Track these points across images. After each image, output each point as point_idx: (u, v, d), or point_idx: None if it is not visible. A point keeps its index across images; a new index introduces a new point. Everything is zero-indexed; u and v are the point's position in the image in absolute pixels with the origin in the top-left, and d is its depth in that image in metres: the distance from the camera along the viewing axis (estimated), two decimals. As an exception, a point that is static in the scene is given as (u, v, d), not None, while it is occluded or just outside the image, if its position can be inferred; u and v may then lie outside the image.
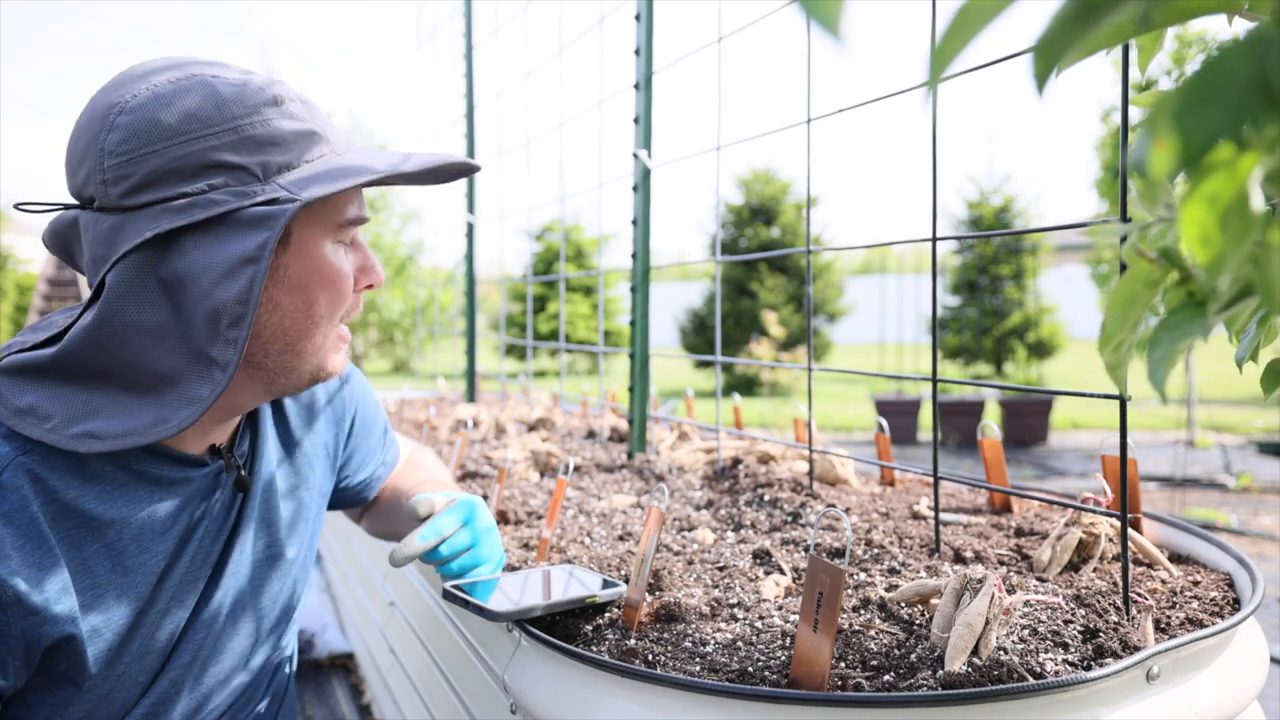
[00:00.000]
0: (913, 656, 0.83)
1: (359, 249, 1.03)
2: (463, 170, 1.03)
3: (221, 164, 0.88)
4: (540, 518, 1.45)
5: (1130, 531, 1.03)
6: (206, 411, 0.89)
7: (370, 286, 1.05)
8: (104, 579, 0.91)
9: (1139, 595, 0.98)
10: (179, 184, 0.87)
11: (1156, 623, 0.90)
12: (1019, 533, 1.25)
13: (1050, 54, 0.36)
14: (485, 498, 1.53)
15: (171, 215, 0.87)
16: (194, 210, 0.87)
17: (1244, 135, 0.32)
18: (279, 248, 0.93)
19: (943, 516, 1.34)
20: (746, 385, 13.92)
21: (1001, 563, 1.11)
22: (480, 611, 0.97)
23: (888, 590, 1.01)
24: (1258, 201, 0.34)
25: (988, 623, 0.81)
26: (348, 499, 1.34)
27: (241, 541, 1.06)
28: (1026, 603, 0.93)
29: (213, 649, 1.06)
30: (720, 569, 1.14)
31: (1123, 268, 0.64)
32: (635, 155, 1.78)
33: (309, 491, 1.19)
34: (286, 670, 1.26)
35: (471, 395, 3.10)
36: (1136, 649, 0.82)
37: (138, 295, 0.87)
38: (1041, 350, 12.10)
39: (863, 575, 1.07)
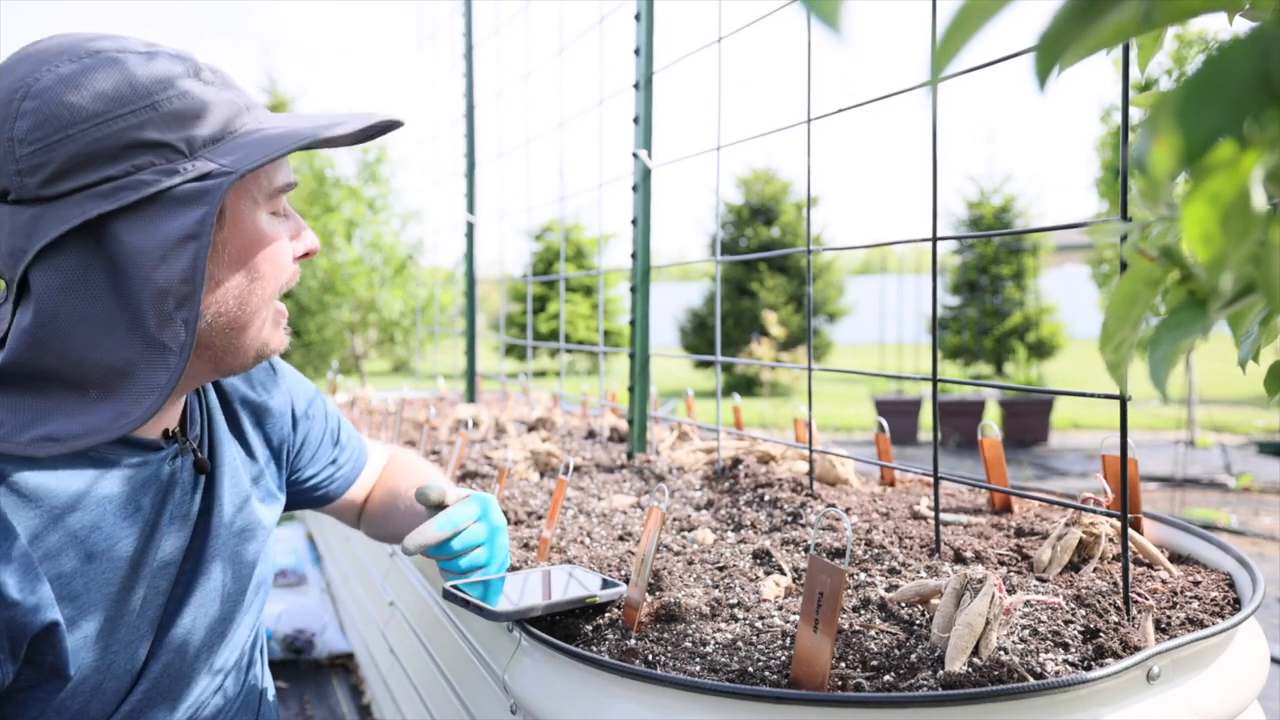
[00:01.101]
0: (913, 656, 0.82)
1: (290, 216, 1.01)
2: (388, 127, 1.02)
3: (144, 143, 0.85)
4: (540, 518, 1.45)
5: (1130, 531, 1.03)
6: (168, 398, 0.88)
7: (308, 254, 1.02)
8: (71, 567, 0.90)
9: (1139, 595, 0.98)
10: (102, 167, 0.84)
11: (1156, 623, 0.90)
12: (1019, 533, 1.25)
13: (1052, 51, 0.36)
14: (485, 498, 1.53)
15: (98, 200, 0.84)
16: (123, 193, 0.84)
17: (1246, 132, 0.32)
18: (215, 224, 0.91)
19: (943, 516, 1.33)
20: (746, 385, 13.91)
21: (1001, 563, 1.11)
22: (480, 611, 0.97)
23: (888, 590, 1.01)
24: (1259, 200, 0.34)
25: (988, 623, 0.81)
26: (311, 490, 1.32)
27: (213, 523, 1.05)
28: (1027, 603, 0.93)
29: (199, 630, 1.05)
30: (720, 569, 1.14)
31: (1123, 267, 0.64)
32: (635, 155, 1.78)
33: (266, 475, 1.18)
34: (261, 653, 1.26)
35: (471, 395, 3.10)
36: (1137, 649, 0.82)
37: (80, 287, 0.85)
38: (1041, 350, 12.10)
39: (863, 575, 1.07)
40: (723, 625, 0.95)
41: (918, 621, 0.92)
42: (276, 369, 1.27)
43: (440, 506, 1.13)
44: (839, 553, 1.16)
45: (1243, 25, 0.53)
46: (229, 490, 1.10)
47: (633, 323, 1.85)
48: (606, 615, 1.00)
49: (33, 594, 0.87)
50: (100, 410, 0.87)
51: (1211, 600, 0.97)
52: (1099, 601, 0.92)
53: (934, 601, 0.95)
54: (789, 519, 1.36)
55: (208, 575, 1.06)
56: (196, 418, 1.09)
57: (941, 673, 0.78)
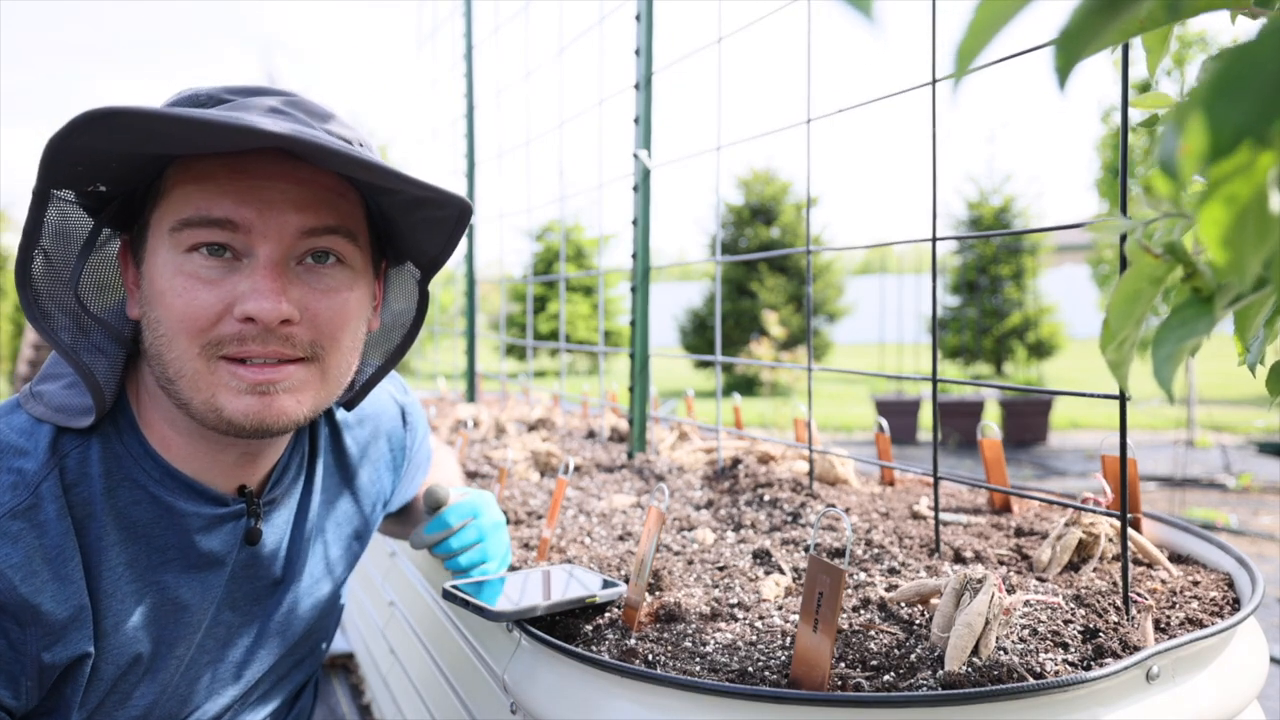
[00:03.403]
0: (913, 656, 0.82)
1: (256, 268, 0.86)
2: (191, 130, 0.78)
3: None
4: (540, 518, 1.45)
5: (1130, 531, 1.03)
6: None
7: (250, 320, 0.85)
8: (108, 602, 0.90)
9: (1139, 595, 0.97)
10: None
11: (1156, 623, 0.90)
12: (1019, 533, 1.25)
13: (1073, 48, 0.35)
14: (485, 497, 1.53)
15: None
16: None
17: (1271, 131, 0.31)
18: (144, 248, 0.89)
19: (943, 516, 1.33)
20: (746, 385, 13.91)
21: (1001, 563, 1.11)
22: (480, 611, 0.96)
23: (888, 590, 1.00)
24: (1276, 203, 0.33)
25: (988, 623, 0.81)
26: None
27: (284, 588, 1.05)
28: (1026, 603, 0.93)
29: (239, 694, 1.05)
30: (720, 569, 1.14)
31: (1124, 265, 0.63)
32: (635, 155, 1.78)
33: (348, 539, 1.17)
34: (313, 699, 1.24)
35: (471, 395, 3.09)
36: (1136, 649, 0.81)
37: None
38: (1041, 350, 12.10)
39: (863, 575, 1.07)
40: (723, 625, 0.95)
41: (917, 621, 0.92)
42: (408, 418, 1.26)
43: (439, 510, 1.13)
44: (839, 553, 1.16)
45: (1244, 24, 0.53)
46: (308, 550, 1.08)
47: (633, 323, 1.85)
48: (606, 615, 1.00)
49: (76, 622, 0.87)
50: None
51: (1211, 600, 0.97)
52: (1098, 601, 0.92)
53: (934, 601, 0.95)
54: (789, 519, 1.36)
55: (265, 638, 1.05)
56: (287, 477, 1.05)
57: (941, 672, 0.77)
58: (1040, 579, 1.04)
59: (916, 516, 1.37)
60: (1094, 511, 1.05)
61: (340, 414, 1.16)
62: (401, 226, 1.00)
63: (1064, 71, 0.36)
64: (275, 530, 1.04)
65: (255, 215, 0.85)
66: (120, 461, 0.91)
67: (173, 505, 0.93)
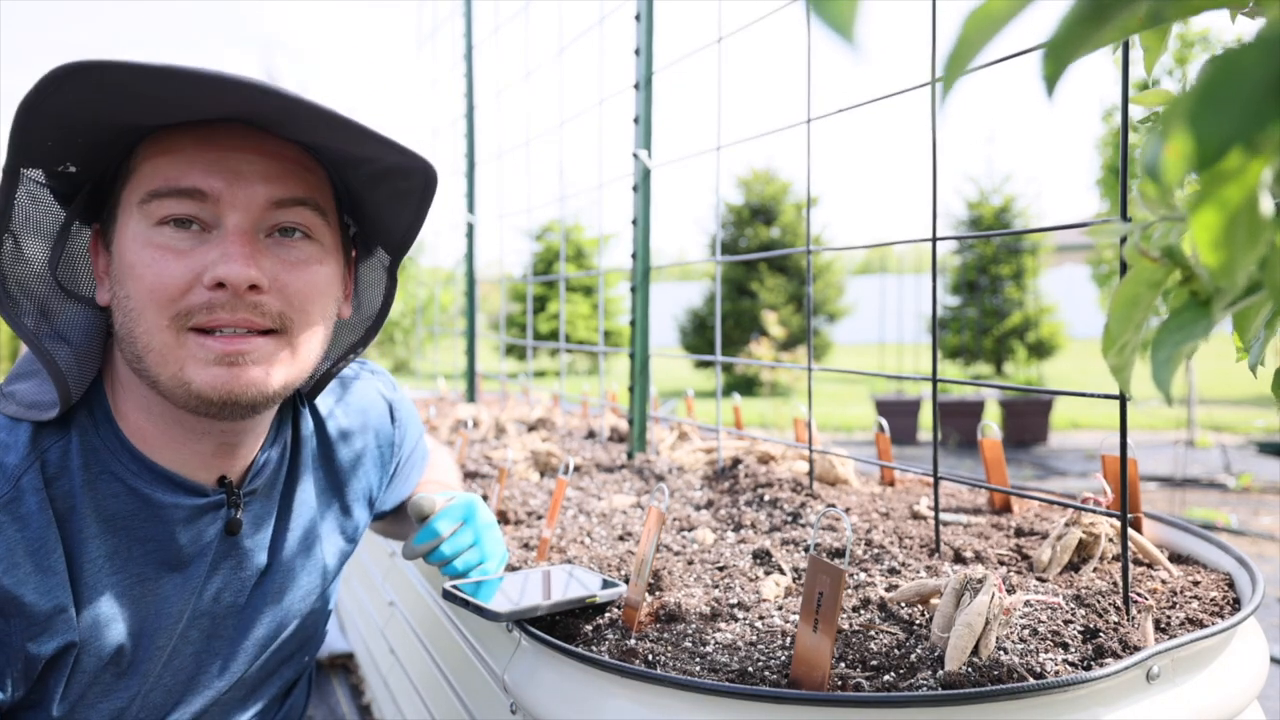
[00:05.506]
0: (913, 656, 0.82)
1: (225, 237, 0.86)
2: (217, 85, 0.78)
3: None
4: (540, 518, 1.45)
5: (1130, 531, 1.03)
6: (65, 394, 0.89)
7: (220, 286, 0.85)
8: (88, 594, 0.90)
9: (1139, 595, 0.98)
10: None
11: (1156, 623, 0.90)
12: (1019, 533, 1.25)
13: (1061, 55, 0.35)
14: (485, 498, 1.53)
15: None
16: None
17: (1259, 139, 0.31)
18: (114, 229, 0.88)
19: (943, 516, 1.33)
20: (746, 385, 13.91)
21: (1001, 563, 1.11)
22: (480, 611, 0.96)
23: (888, 590, 1.01)
24: (1267, 206, 0.33)
25: (988, 623, 0.81)
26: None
27: (268, 577, 1.05)
28: (1026, 603, 0.93)
29: (236, 686, 1.05)
30: (720, 569, 1.14)
31: (1124, 268, 0.64)
32: (635, 155, 1.78)
33: (335, 533, 1.16)
34: (307, 694, 1.24)
35: (471, 395, 3.09)
36: (1136, 649, 0.82)
37: None
38: (1041, 350, 12.10)
39: (863, 575, 1.07)
40: (723, 625, 0.95)
41: (917, 621, 0.92)
42: (396, 414, 1.25)
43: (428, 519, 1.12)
44: (839, 553, 1.16)
45: (1243, 24, 0.53)
46: (293, 543, 1.08)
47: (633, 323, 1.85)
48: (606, 615, 1.00)
49: (60, 615, 0.87)
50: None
51: (1211, 600, 0.97)
52: (1099, 601, 0.92)
53: (934, 601, 0.95)
54: (789, 519, 1.36)
55: (249, 631, 1.04)
56: (269, 468, 1.05)
57: (941, 673, 0.78)
58: (1040, 579, 1.04)
59: (916, 516, 1.37)
60: (1094, 511, 1.05)
61: (325, 407, 1.15)
62: (368, 204, 1.00)
63: (1052, 79, 0.36)
64: (258, 522, 1.03)
65: (224, 185, 0.85)
66: (97, 454, 0.91)
67: (150, 497, 0.93)
